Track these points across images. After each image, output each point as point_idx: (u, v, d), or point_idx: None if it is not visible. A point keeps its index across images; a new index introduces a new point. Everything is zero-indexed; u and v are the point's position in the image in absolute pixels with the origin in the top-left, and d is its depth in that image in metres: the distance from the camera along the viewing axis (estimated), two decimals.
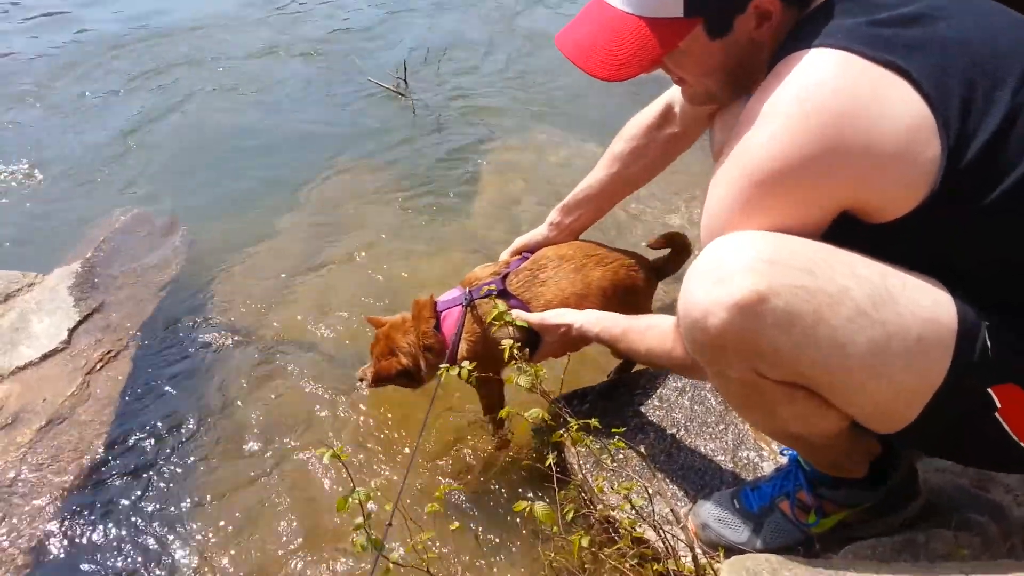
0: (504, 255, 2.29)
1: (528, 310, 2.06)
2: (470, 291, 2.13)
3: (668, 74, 1.52)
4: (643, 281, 2.19)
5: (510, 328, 1.95)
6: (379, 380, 2.22)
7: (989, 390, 1.23)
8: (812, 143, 1.20)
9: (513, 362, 1.68)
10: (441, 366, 1.77)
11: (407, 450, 2.33)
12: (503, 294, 2.09)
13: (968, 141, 1.16)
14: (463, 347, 2.09)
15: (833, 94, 1.20)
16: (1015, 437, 1.27)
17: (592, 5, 1.46)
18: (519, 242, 2.29)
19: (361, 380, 2.31)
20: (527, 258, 2.19)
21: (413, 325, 2.17)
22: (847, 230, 1.27)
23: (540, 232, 2.28)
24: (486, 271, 2.21)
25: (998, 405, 1.24)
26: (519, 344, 1.71)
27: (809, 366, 1.25)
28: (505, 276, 2.13)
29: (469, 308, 2.10)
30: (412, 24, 6.01)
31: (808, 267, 1.22)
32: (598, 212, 2.27)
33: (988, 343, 1.21)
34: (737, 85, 1.47)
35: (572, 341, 2.01)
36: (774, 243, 1.25)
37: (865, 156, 1.18)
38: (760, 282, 1.20)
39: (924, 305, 1.22)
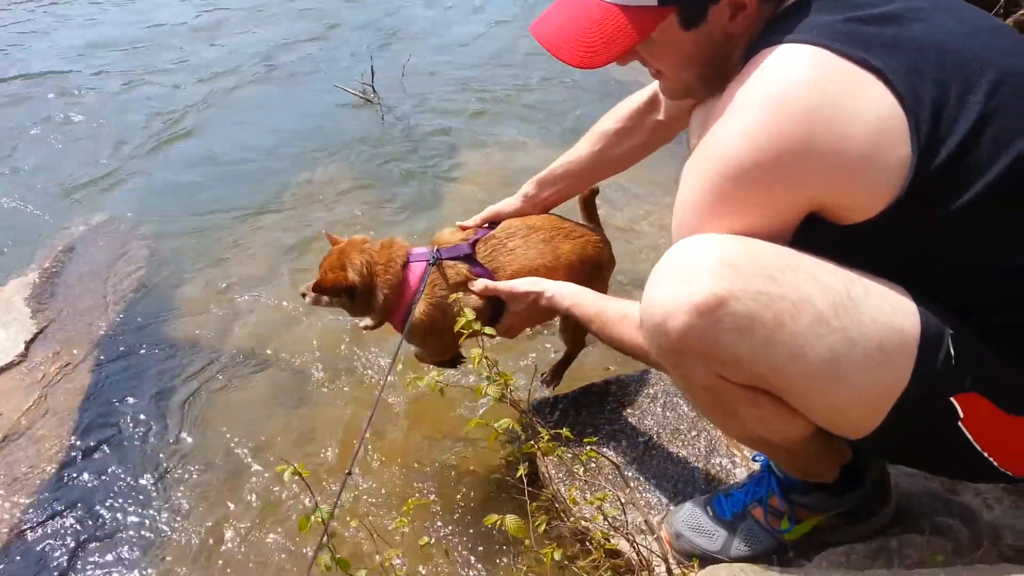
0: (472, 220, 2.20)
1: (494, 279, 2.02)
2: (438, 249, 2.06)
3: (645, 66, 1.50)
4: (607, 256, 2.18)
5: (473, 296, 1.90)
6: (320, 290, 2.07)
7: (952, 399, 1.22)
8: (783, 138, 1.18)
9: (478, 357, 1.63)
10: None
11: (376, 463, 2.29)
12: (470, 259, 2.04)
13: (939, 144, 1.15)
14: (421, 306, 2.01)
15: (805, 90, 1.18)
16: (978, 447, 1.26)
17: None
18: (489, 211, 2.20)
19: (303, 296, 2.16)
20: (493, 228, 2.13)
21: (378, 252, 2.07)
22: (815, 232, 1.26)
23: (511, 203, 2.19)
24: (455, 235, 2.14)
25: (961, 414, 1.23)
26: (479, 318, 1.67)
27: (770, 371, 1.24)
28: (475, 242, 2.07)
29: (435, 268, 2.03)
30: (377, 27, 5.96)
31: (771, 273, 1.20)
32: (574, 189, 2.20)
33: (951, 352, 1.20)
34: (713, 79, 1.44)
35: (540, 311, 1.97)
36: (740, 247, 1.23)
37: (835, 153, 1.17)
38: (721, 286, 1.19)
39: (886, 313, 1.20)
